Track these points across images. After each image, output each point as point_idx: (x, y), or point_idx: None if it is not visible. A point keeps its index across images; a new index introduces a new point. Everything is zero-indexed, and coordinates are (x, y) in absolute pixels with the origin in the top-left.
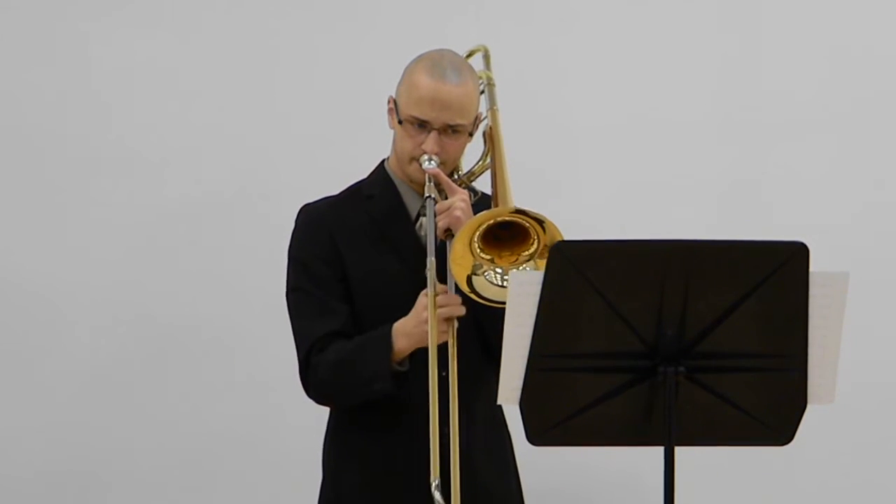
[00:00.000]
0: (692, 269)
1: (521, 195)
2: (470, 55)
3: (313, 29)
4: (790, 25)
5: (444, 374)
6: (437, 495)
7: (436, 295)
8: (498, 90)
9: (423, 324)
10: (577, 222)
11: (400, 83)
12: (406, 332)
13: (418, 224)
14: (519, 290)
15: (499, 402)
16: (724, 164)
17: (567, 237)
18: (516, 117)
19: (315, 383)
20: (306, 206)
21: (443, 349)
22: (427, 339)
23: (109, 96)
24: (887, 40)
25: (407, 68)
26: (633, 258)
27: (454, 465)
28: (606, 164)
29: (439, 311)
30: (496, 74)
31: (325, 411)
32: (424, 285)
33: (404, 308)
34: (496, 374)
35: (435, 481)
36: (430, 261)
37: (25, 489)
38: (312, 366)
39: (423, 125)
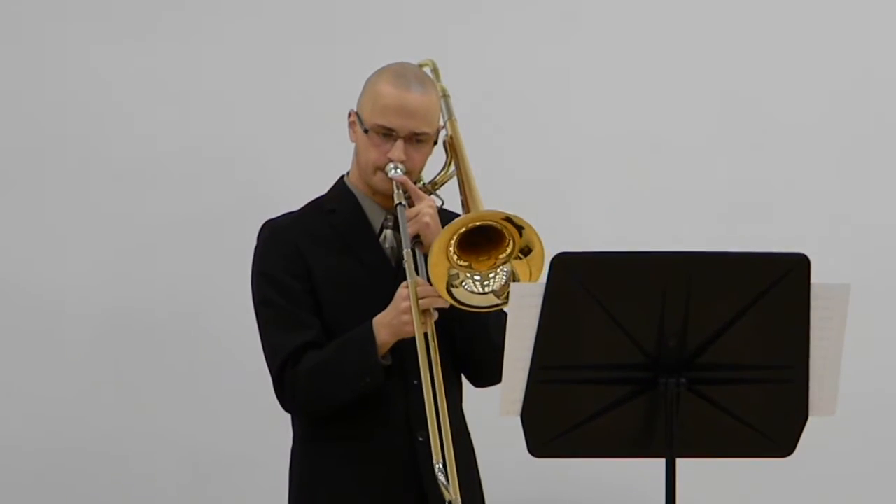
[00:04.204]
0: (693, 281)
1: (526, 205)
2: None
3: (320, 39)
4: (794, 39)
5: (415, 381)
6: (440, 477)
7: (416, 286)
8: (494, 102)
9: (402, 314)
10: (578, 234)
11: (362, 95)
12: (386, 323)
13: (382, 236)
14: (520, 301)
15: (501, 415)
16: (726, 175)
17: (567, 248)
18: (519, 128)
19: (293, 394)
20: (269, 221)
21: (416, 357)
22: (406, 330)
23: (110, 102)
24: (887, 56)
25: (369, 80)
26: (634, 270)
27: (450, 463)
28: (608, 175)
29: (420, 301)
30: (501, 86)
31: None
32: (390, 296)
33: (372, 318)
34: (459, 381)
35: (438, 463)
36: (407, 252)
37: (25, 489)
38: (289, 379)
39: (388, 134)
